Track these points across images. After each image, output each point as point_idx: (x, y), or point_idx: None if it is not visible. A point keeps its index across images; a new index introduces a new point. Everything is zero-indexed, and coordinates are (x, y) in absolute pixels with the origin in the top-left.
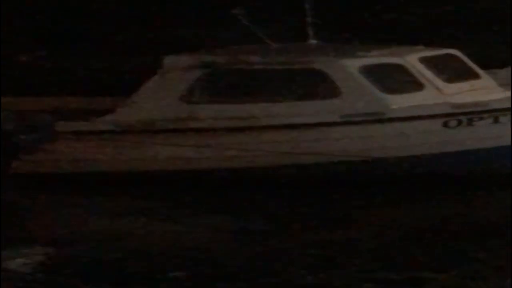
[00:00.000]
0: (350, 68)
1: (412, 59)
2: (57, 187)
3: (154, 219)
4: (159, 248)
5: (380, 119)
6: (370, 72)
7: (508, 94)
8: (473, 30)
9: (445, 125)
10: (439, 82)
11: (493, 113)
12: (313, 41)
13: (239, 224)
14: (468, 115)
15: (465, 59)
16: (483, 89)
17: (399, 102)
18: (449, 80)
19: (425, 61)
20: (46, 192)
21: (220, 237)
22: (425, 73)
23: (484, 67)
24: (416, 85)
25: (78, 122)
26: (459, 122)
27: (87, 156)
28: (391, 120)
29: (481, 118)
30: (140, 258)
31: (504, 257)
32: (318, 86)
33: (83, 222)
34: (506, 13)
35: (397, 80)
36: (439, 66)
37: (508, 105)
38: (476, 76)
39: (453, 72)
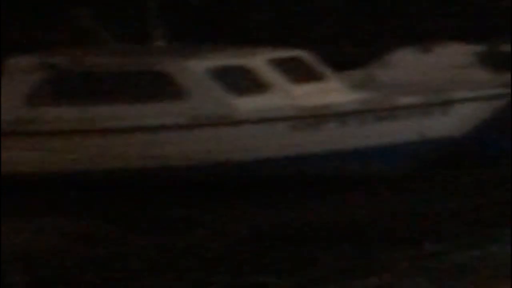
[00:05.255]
0: (195, 69)
1: (260, 61)
2: None
3: None
4: None
5: (227, 121)
6: (217, 73)
7: (356, 96)
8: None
9: (292, 127)
10: (286, 85)
11: (340, 115)
12: (159, 43)
13: (81, 227)
14: (315, 118)
15: (313, 61)
16: (331, 91)
17: (246, 105)
18: (297, 82)
19: (272, 63)
20: None
21: (62, 240)
22: (273, 75)
23: (337, 68)
24: (263, 87)
25: None
26: (306, 125)
27: None
28: (238, 122)
29: (328, 121)
30: None
31: (348, 259)
32: (163, 88)
33: None
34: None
35: (245, 82)
36: (287, 68)
37: (354, 107)
38: (324, 78)
39: (301, 74)
